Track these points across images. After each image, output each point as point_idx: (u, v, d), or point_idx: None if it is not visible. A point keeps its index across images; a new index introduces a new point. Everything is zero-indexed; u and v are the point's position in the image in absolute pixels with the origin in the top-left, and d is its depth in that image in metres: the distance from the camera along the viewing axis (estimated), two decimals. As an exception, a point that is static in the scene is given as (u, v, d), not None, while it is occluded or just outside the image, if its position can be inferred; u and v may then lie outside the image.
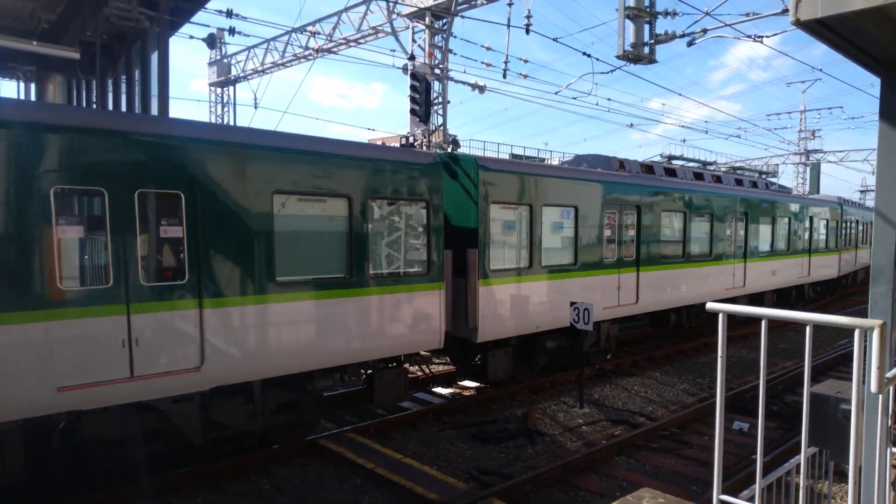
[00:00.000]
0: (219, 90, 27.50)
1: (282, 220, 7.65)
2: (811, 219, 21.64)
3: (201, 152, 6.97)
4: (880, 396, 2.95)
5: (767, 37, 14.69)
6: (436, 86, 18.74)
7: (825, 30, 3.02)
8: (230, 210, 7.17)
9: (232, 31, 14.53)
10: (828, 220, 23.09)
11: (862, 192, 59.61)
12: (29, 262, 5.90)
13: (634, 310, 13.49)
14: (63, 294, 6.10)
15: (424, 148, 16.04)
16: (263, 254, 7.44)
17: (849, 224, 25.86)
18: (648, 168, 15.29)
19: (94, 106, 13.91)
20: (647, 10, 12.86)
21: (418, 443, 9.01)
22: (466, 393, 11.59)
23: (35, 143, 5.96)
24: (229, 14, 13.15)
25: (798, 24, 2.85)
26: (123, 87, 13.19)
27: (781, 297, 20.72)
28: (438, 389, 11.76)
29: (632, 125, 30.31)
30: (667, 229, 14.44)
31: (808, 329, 2.96)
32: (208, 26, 21.78)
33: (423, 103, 16.82)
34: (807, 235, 21.26)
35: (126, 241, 6.44)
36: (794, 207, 20.54)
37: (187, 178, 6.85)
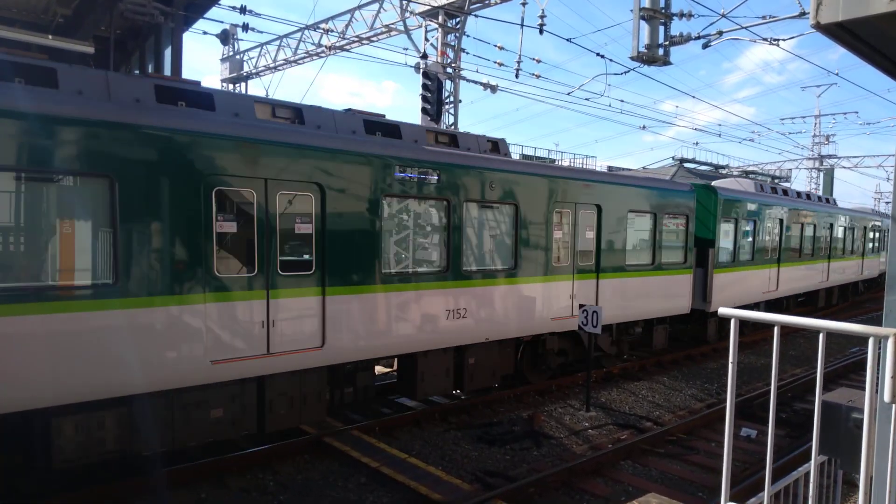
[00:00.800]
0: (231, 86, 27.60)
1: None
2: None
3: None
4: (893, 406, 2.91)
5: (784, 40, 14.56)
6: (448, 85, 18.74)
7: (845, 33, 2.97)
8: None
9: (245, 27, 14.58)
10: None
11: (876, 198, 59.12)
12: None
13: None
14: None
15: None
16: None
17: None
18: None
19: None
20: (663, 11, 12.80)
21: (423, 443, 8.99)
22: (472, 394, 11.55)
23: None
24: (243, 10, 13.19)
25: (818, 27, 2.81)
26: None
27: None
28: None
29: (644, 127, 30.11)
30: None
31: (821, 336, 2.92)
32: (222, 22, 21.90)
33: (435, 102, 16.84)
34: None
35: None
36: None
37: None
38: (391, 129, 9.39)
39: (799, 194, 21.59)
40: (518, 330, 10.69)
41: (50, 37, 9.44)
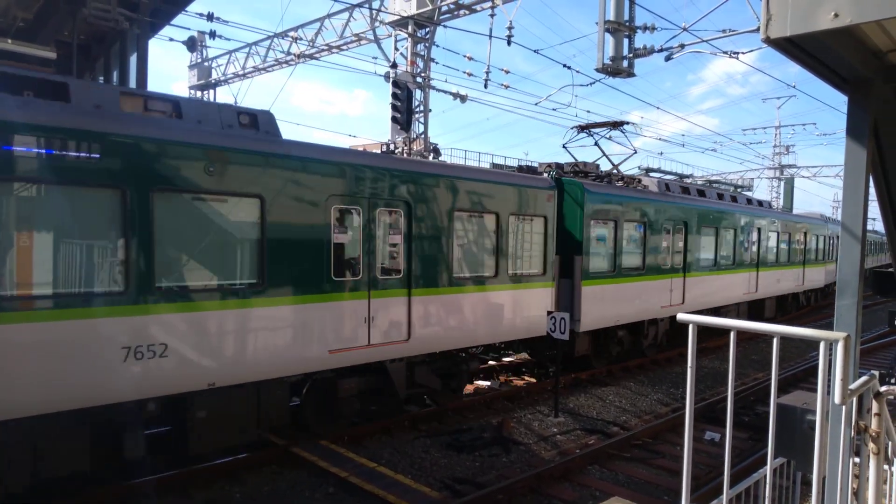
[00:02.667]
0: (199, 93, 27.27)
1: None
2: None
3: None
4: (843, 407, 3.01)
5: (743, 53, 14.97)
6: (417, 94, 18.80)
7: (795, 48, 3.09)
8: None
9: (213, 34, 14.44)
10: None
11: (834, 207, 60.95)
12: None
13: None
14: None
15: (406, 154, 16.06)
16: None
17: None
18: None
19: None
20: (627, 24, 13.06)
21: (393, 451, 8.96)
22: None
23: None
24: (210, 17, 13.06)
25: (768, 41, 2.91)
26: (100, 88, 13.00)
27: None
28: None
29: (611, 137, 30.46)
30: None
31: (775, 341, 3.01)
32: (189, 29, 21.63)
33: (405, 111, 16.87)
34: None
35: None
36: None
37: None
38: None
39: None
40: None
41: (10, 41, 9.22)
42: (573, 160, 15.32)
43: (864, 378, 3.08)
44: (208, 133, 7.43)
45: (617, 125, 15.29)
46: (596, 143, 15.76)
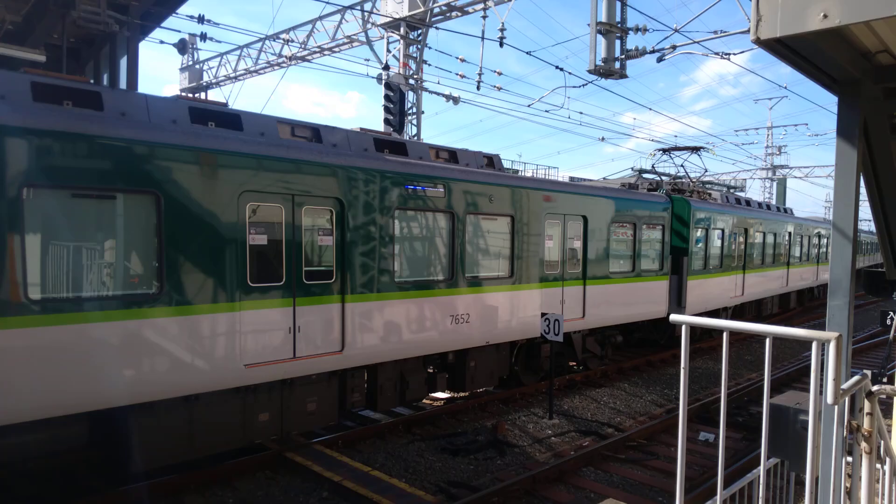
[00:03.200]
0: (190, 96, 27.16)
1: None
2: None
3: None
4: (836, 407, 3.01)
5: (735, 54, 15.02)
6: (410, 96, 18.79)
7: (785, 49, 3.10)
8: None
9: (203, 36, 14.39)
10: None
11: (826, 207, 61.26)
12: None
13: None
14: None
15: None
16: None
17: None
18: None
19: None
20: (619, 25, 13.09)
21: (387, 455, 8.93)
22: (437, 404, 11.54)
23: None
24: (201, 20, 13.01)
25: (758, 42, 2.92)
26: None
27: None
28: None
29: (603, 139, 30.71)
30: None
31: (767, 341, 3.01)
32: (179, 31, 21.57)
33: (397, 113, 16.86)
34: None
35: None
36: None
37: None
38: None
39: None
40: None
41: (-2, 44, 9.16)
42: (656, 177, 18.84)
43: (856, 378, 3.09)
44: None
45: (696, 149, 18.62)
46: (682, 165, 19.09)
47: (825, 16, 2.59)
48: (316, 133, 8.97)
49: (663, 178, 19.50)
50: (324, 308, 8.48)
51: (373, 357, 9.18)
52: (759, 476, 3.48)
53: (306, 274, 8.29)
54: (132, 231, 6.88)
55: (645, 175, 21.93)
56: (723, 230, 17.82)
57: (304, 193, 8.19)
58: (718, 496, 3.43)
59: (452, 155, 10.98)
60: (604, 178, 20.51)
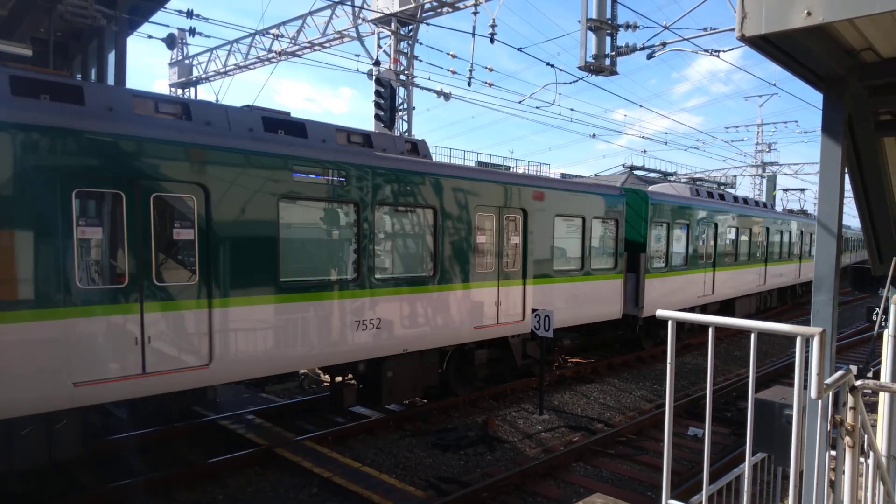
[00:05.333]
0: (180, 91, 27.01)
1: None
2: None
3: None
4: (820, 402, 3.04)
5: (724, 51, 15.08)
6: (401, 92, 18.75)
7: (770, 46, 3.11)
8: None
9: (192, 31, 14.29)
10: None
11: (814, 203, 61.66)
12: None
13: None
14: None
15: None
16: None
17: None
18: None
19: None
20: (609, 22, 13.11)
21: (377, 451, 8.93)
22: (426, 400, 11.55)
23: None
24: (189, 14, 12.93)
25: (743, 39, 2.93)
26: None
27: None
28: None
29: (594, 135, 30.82)
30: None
31: (752, 336, 3.03)
32: (168, 26, 21.41)
33: (388, 109, 16.81)
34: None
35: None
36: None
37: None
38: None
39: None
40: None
41: (-17, 38, 9.06)
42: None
43: (839, 373, 3.11)
44: None
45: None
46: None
47: (808, 13, 2.61)
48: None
49: (653, 174, 19.58)
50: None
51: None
52: (745, 471, 3.51)
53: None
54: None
55: (636, 172, 21.97)
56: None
57: None
58: (704, 491, 3.45)
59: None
60: (595, 175, 20.48)
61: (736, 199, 21.36)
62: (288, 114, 9.04)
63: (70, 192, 6.36)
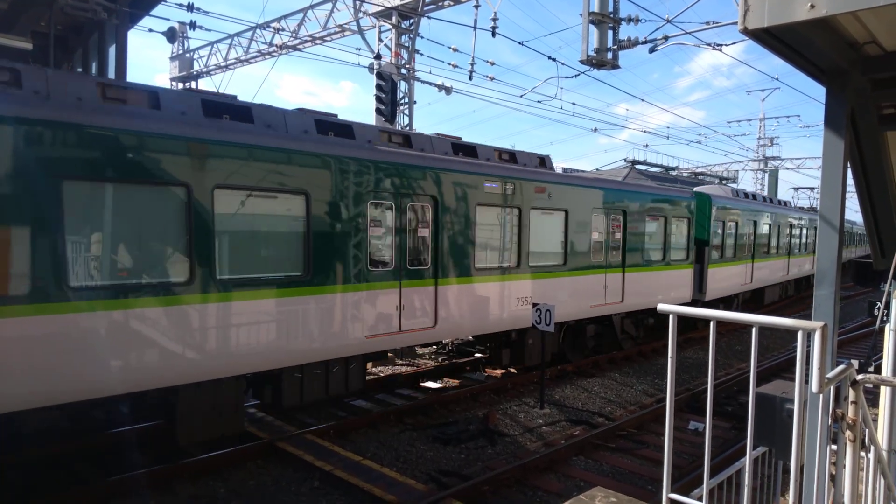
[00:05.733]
0: (181, 85, 26.95)
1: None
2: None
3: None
4: (821, 396, 3.04)
5: (727, 45, 15.02)
6: (402, 86, 18.70)
7: (773, 39, 3.09)
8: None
9: (193, 25, 14.25)
10: None
11: (796, 189, 61.68)
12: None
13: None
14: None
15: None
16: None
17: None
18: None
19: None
20: (611, 15, 13.06)
21: (378, 444, 8.96)
22: (428, 394, 11.57)
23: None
24: (190, 8, 12.89)
25: (746, 32, 2.92)
26: (79, 80, 12.77)
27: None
28: (401, 390, 11.70)
29: (596, 130, 30.71)
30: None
31: (753, 330, 3.03)
32: (168, 20, 21.33)
33: (389, 103, 16.78)
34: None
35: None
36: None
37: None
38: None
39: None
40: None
41: (-16, 32, 9.04)
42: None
43: (841, 367, 3.11)
44: None
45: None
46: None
47: (812, 6, 2.59)
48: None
49: (655, 169, 19.84)
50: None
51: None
52: (746, 465, 3.51)
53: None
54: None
55: (637, 166, 22.12)
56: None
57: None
58: (705, 485, 3.46)
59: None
60: (596, 170, 20.51)
61: (764, 199, 24.03)
62: (459, 138, 11.62)
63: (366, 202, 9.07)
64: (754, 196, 22.50)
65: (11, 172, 6.01)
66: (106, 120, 6.68)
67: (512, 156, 12.13)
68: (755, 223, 20.78)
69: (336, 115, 9.58)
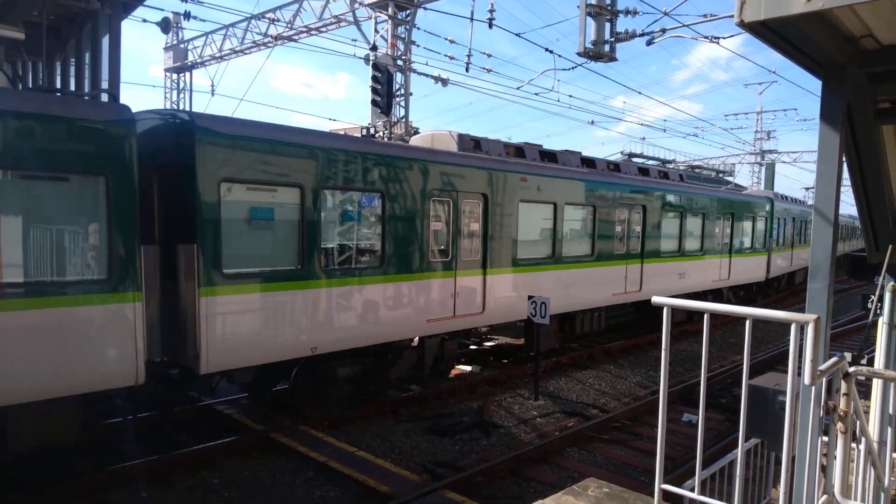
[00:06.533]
0: (175, 76, 26.79)
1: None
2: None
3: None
4: (813, 388, 3.06)
5: (724, 38, 14.99)
6: (398, 77, 18.62)
7: (769, 32, 3.09)
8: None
9: (188, 15, 14.15)
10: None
11: (807, 189, 61.70)
12: None
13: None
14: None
15: (385, 139, 15.91)
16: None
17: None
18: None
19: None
20: (609, 8, 13.00)
21: (373, 436, 8.98)
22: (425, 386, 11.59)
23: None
24: (185, -3, 12.79)
25: (742, 25, 2.91)
26: (72, 70, 12.71)
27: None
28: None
29: (593, 122, 30.70)
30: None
31: (747, 323, 3.05)
32: (163, 10, 21.22)
33: (385, 94, 16.69)
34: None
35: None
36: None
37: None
38: None
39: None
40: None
41: (-24, 21, 8.96)
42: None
43: (833, 359, 3.13)
44: None
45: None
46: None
47: (808, -1, 2.59)
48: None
49: (651, 161, 20.24)
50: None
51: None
52: (738, 456, 3.54)
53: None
54: None
55: (634, 159, 22.30)
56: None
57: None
58: (697, 476, 3.49)
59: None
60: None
61: (793, 199, 28.25)
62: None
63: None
64: (785, 197, 26.55)
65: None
66: None
67: (552, 156, 13.24)
68: (794, 219, 26.14)
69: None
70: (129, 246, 6.67)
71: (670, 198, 16.14)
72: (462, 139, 11.47)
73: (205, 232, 7.24)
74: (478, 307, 10.90)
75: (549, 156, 13.14)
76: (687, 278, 16.86)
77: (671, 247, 16.26)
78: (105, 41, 11.35)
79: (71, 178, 6.33)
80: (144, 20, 14.90)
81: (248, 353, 7.78)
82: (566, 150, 13.76)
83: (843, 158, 4.02)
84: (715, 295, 19.20)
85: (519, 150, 12.50)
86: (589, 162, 14.31)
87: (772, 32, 3.08)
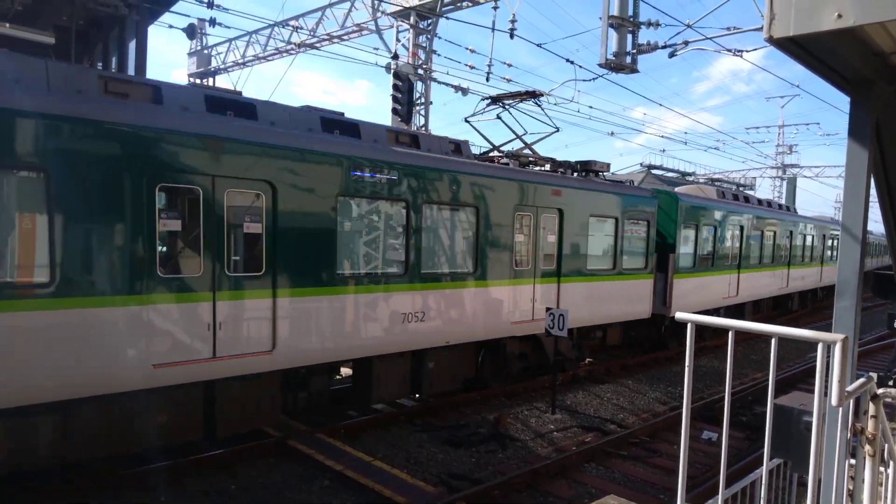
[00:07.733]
0: (198, 81, 27.17)
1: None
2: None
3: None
4: (840, 409, 3.00)
5: (748, 51, 14.90)
6: (419, 86, 18.74)
7: (797, 48, 3.05)
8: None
9: (213, 21, 14.36)
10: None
11: (836, 207, 60.80)
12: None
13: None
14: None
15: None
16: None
17: None
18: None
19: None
20: (631, 20, 12.99)
21: (389, 446, 8.96)
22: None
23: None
24: (210, 5, 12.99)
25: (771, 41, 2.88)
26: (100, 76, 12.91)
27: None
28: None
29: (612, 133, 30.53)
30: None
31: (773, 341, 2.99)
32: (188, 16, 21.53)
33: (406, 103, 16.81)
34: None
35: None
36: None
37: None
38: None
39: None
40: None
41: (7, 25, 9.16)
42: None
43: (861, 380, 3.06)
44: None
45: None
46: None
47: (839, 15, 2.55)
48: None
49: (671, 174, 19.68)
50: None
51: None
52: (761, 476, 3.47)
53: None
54: None
55: (653, 171, 21.89)
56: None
57: None
58: (720, 495, 3.42)
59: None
60: (612, 174, 20.32)
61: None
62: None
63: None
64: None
65: None
66: None
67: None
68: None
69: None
70: None
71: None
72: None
73: None
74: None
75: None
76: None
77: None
78: (132, 46, 11.57)
79: None
80: (171, 26, 15.13)
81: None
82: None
83: (872, 176, 3.96)
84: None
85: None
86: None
87: (800, 48, 3.04)
